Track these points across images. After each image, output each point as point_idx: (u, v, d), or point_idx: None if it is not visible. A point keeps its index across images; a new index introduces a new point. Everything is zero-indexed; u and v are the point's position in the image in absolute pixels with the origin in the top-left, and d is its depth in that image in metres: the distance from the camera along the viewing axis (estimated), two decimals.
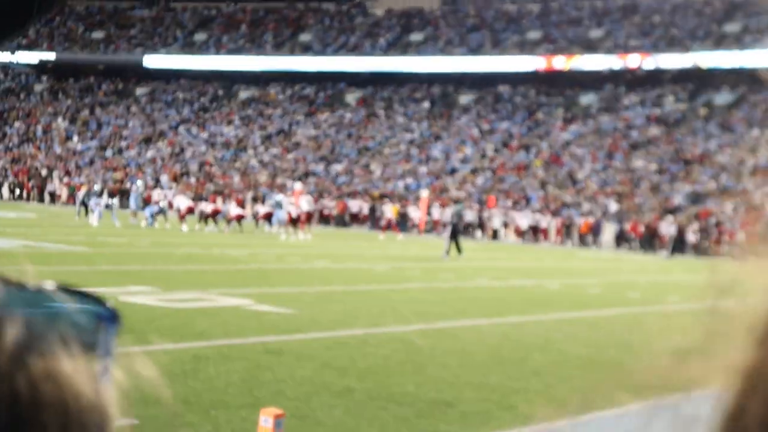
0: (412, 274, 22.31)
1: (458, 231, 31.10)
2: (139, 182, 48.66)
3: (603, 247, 47.23)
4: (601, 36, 69.82)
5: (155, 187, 49.56)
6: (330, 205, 54.63)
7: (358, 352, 10.69)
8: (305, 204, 39.12)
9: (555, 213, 50.33)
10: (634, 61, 65.71)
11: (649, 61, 65.20)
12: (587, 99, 67.34)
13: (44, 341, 0.63)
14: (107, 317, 0.68)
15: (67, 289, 0.68)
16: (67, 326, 0.65)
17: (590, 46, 68.84)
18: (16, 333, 0.62)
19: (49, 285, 0.68)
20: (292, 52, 77.15)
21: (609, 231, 48.22)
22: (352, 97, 74.47)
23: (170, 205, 40.99)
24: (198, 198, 45.13)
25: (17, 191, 63.55)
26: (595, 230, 48.12)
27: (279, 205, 39.98)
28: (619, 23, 70.74)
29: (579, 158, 58.22)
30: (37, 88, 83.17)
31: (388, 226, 44.34)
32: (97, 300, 0.69)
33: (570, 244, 48.16)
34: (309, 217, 39.43)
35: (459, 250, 29.80)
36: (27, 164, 67.93)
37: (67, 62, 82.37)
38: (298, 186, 46.89)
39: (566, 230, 48.99)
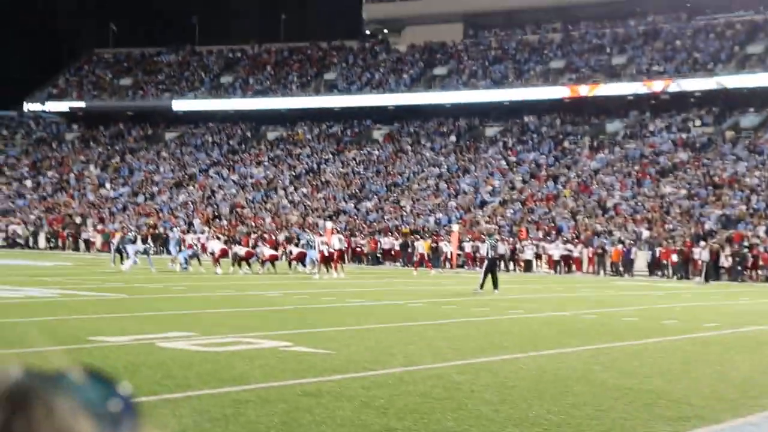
0: (447, 310, 22.35)
1: (495, 265, 30.99)
2: (176, 229, 49.00)
3: (636, 275, 47.01)
4: (624, 62, 69.88)
5: (188, 231, 49.89)
6: (362, 243, 54.77)
7: (397, 391, 10.75)
8: (337, 242, 39.26)
9: (586, 242, 50.18)
10: (658, 86, 65.69)
11: (673, 86, 65.15)
12: (613, 126, 67.32)
13: (60, 407, 0.65)
14: (125, 405, 0.70)
15: (88, 375, 0.70)
16: (86, 410, 0.66)
17: (614, 73, 68.91)
18: (36, 409, 0.63)
19: (71, 371, 0.69)
20: (317, 91, 77.72)
21: (641, 258, 48.00)
22: (378, 133, 74.84)
23: (203, 249, 41.25)
24: (231, 240, 45.44)
25: (53, 240, 64.14)
26: (626, 258, 47.91)
27: (311, 244, 40.15)
28: (641, 49, 70.81)
29: (608, 186, 58.12)
30: (69, 136, 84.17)
31: (421, 262, 44.38)
32: (113, 385, 0.70)
33: (603, 273, 47.96)
34: (342, 255, 39.56)
35: (495, 285, 29.54)
36: (61, 213, 68.61)
37: (96, 110, 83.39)
38: (329, 225, 47.12)
39: (599, 259, 48.81)
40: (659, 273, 47.15)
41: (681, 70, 66.50)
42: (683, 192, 54.89)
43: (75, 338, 14.59)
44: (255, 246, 43.58)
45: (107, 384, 0.70)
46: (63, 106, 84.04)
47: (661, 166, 59.07)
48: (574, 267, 49.52)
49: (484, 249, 33.38)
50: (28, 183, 76.29)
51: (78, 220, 66.57)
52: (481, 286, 29.49)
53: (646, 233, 50.32)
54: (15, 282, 28.21)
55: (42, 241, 64.40)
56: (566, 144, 66.12)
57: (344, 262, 40.54)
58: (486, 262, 30.76)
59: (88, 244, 61.98)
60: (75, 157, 79.76)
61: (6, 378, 0.66)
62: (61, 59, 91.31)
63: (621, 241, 49.15)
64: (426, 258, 44.99)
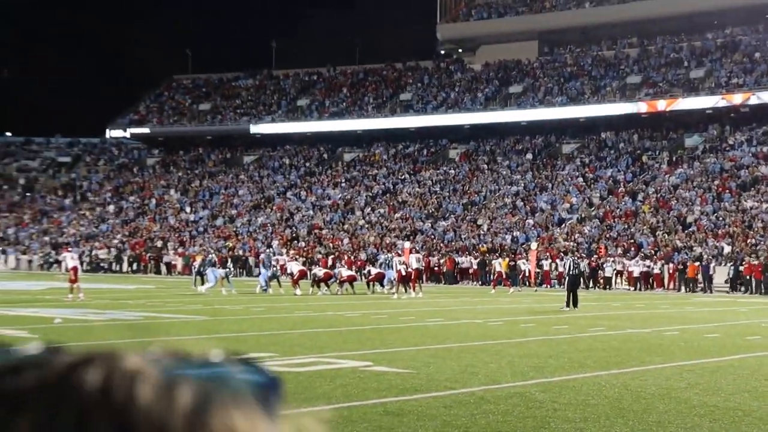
0: (526, 328, 22.25)
1: (577, 283, 30.99)
2: (269, 250, 49.21)
3: (716, 290, 46.29)
4: (703, 76, 68.97)
5: (262, 253, 50.31)
6: (439, 262, 54.78)
7: (478, 410, 10.75)
8: (415, 262, 39.30)
9: (667, 258, 49.53)
10: (737, 99, 64.68)
11: (753, 99, 64.08)
12: (692, 140, 66.42)
13: (219, 400, 0.67)
14: (270, 385, 0.72)
15: (230, 358, 0.72)
16: (237, 388, 0.69)
17: (692, 87, 68.05)
18: (191, 392, 0.66)
19: (215, 354, 0.72)
20: (393, 112, 78.02)
21: (723, 274, 47.24)
22: (455, 152, 74.84)
23: (283, 270, 41.56)
24: (309, 262, 45.76)
25: (134, 264, 65.30)
26: (705, 274, 47.17)
27: (389, 264, 40.27)
28: (719, 62, 69.82)
29: (688, 201, 57.32)
30: (150, 161, 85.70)
31: (499, 281, 44.23)
32: (259, 368, 0.72)
33: (684, 290, 47.27)
34: (419, 274, 39.60)
35: (575, 303, 29.57)
36: (143, 237, 69.80)
37: (176, 135, 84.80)
38: (407, 244, 47.21)
39: (679, 275, 48.13)
40: (742, 288, 46.33)
41: (761, 82, 65.39)
42: (765, 206, 53.90)
43: None
44: (333, 267, 43.83)
45: (253, 366, 0.72)
46: (144, 131, 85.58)
47: (742, 180, 58.09)
48: (654, 283, 48.92)
49: (565, 267, 33.22)
50: (111, 208, 77.77)
51: (159, 243, 67.66)
52: (567, 304, 29.47)
53: (727, 248, 49.50)
54: (99, 305, 28.77)
55: (125, 265, 65.59)
56: (644, 159, 65.40)
57: (422, 282, 40.56)
58: (567, 279, 30.73)
59: (170, 267, 62.94)
60: (156, 182, 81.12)
61: (157, 366, 0.67)
62: (141, 86, 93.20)
63: (699, 258, 48.40)
64: (504, 276, 44.83)
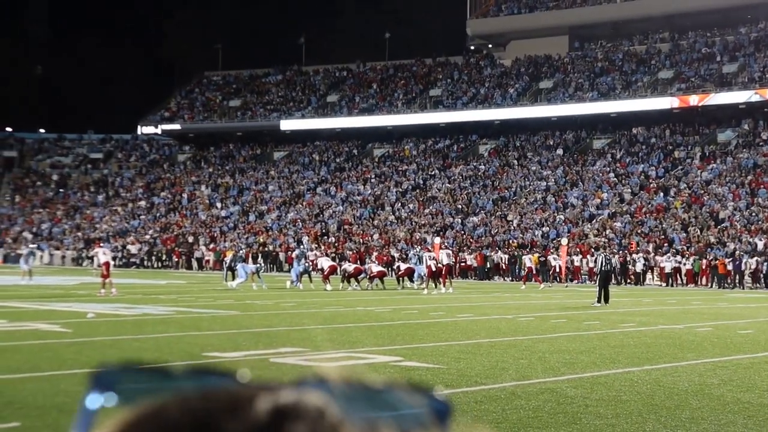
0: (557, 324, 22.17)
1: (609, 279, 30.88)
2: (302, 246, 49.35)
3: (749, 287, 45.94)
4: (736, 70, 68.37)
5: (296, 248, 50.44)
6: (469, 258, 54.69)
7: (509, 405, 10.71)
8: (445, 257, 39.23)
9: (699, 254, 49.18)
10: None
11: None
12: (725, 135, 65.91)
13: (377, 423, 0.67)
14: (444, 411, 0.71)
15: (400, 385, 0.71)
16: (419, 425, 0.69)
17: (724, 82, 67.49)
18: None
19: (385, 383, 0.71)
20: (423, 108, 77.92)
21: (759, 270, 46.84)
22: (485, 148, 74.65)
23: (314, 266, 41.61)
24: (339, 257, 45.82)
25: (165, 259, 65.68)
26: (737, 269, 46.81)
27: (419, 260, 40.24)
28: (753, 56, 69.18)
29: (720, 197, 56.88)
30: (180, 157, 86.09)
31: (529, 276, 44.08)
32: (433, 394, 0.72)
33: (716, 286, 46.94)
34: (450, 270, 39.54)
35: (606, 298, 29.49)
36: (174, 232, 70.14)
37: (207, 131, 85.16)
38: (437, 240, 47.15)
39: (712, 271, 47.78)
40: None
41: None
42: None
43: (189, 354, 14.90)
44: (363, 262, 43.83)
45: (424, 392, 0.72)
46: (175, 128, 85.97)
47: None
48: (686, 279, 48.62)
49: (596, 263, 33.10)
50: (142, 204, 78.21)
51: (190, 239, 67.98)
52: (598, 300, 29.39)
53: (761, 244, 49.09)
54: (131, 300, 28.95)
55: (156, 260, 65.98)
56: (676, 155, 64.96)
57: (452, 277, 40.50)
58: (599, 275, 30.63)
59: (201, 262, 63.22)
60: (187, 178, 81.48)
61: (351, 409, 0.67)
62: (172, 83, 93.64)
63: (734, 253, 48.04)
64: (534, 272, 44.68)
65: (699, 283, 48.25)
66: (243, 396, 0.67)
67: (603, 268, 30.50)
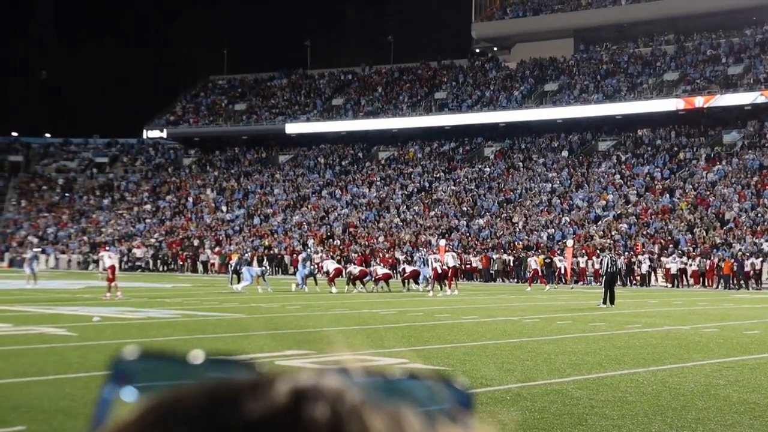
0: (563, 325, 22.15)
1: (614, 280, 30.88)
2: (309, 249, 49.35)
3: (752, 287, 45.87)
4: (741, 72, 68.29)
5: (302, 251, 50.49)
6: (474, 260, 54.67)
7: (515, 406, 10.70)
8: (451, 260, 39.21)
9: (705, 255, 49.12)
10: None
11: None
12: (730, 137, 65.84)
13: (441, 427, 0.67)
14: (463, 399, 0.71)
15: (421, 376, 0.70)
16: (448, 410, 0.69)
17: (730, 84, 67.42)
18: (417, 423, 0.65)
19: (406, 372, 0.70)
20: (428, 111, 77.91)
21: (764, 271, 46.79)
22: (490, 150, 74.64)
23: (319, 269, 41.64)
24: (345, 260, 45.84)
25: (171, 263, 65.73)
26: (740, 270, 46.75)
27: (424, 262, 40.22)
28: (758, 58, 69.10)
29: (726, 198, 56.81)
30: (186, 161, 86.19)
31: (534, 278, 44.04)
32: (455, 383, 0.72)
33: (721, 287, 46.89)
34: (455, 272, 39.52)
35: (612, 300, 29.49)
36: (179, 236, 70.21)
37: (212, 135, 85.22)
38: (442, 242, 47.12)
39: (718, 272, 47.73)
40: None
41: None
42: None
43: None
44: (368, 264, 43.82)
45: (449, 382, 0.71)
46: (180, 132, 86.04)
47: None
48: (692, 280, 48.57)
49: (602, 264, 33.06)
50: (148, 207, 78.29)
51: (196, 242, 68.03)
52: (604, 301, 29.39)
53: (766, 245, 49.00)
54: (136, 303, 28.96)
55: (162, 264, 66.05)
56: (681, 156, 64.90)
57: (457, 280, 40.49)
58: (605, 276, 30.61)
59: (206, 265, 63.27)
60: (192, 182, 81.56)
61: (372, 393, 0.66)
62: (177, 87, 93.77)
63: (740, 253, 47.99)
64: (540, 274, 44.64)
65: (706, 284, 48.20)
66: (262, 380, 0.67)
67: (608, 270, 30.50)
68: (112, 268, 32.03)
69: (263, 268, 42.00)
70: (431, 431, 0.66)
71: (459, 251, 53.36)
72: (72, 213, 79.63)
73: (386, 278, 39.75)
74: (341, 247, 60.89)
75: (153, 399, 0.67)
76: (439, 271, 37.71)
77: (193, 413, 0.65)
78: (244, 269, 39.64)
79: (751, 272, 46.89)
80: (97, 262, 67.52)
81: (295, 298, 33.73)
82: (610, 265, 30.65)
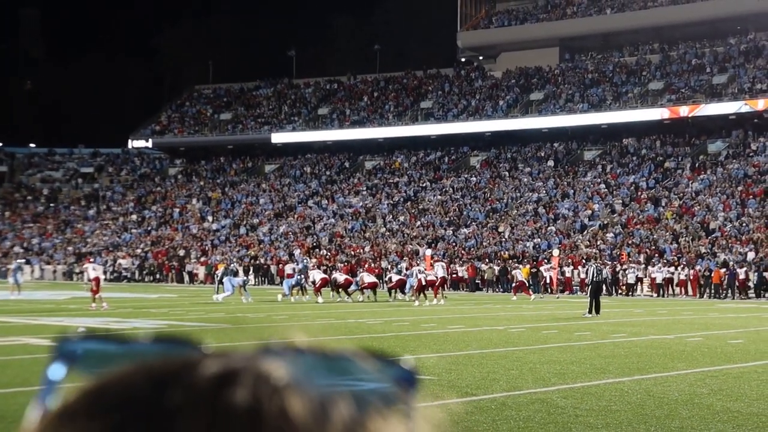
0: (548, 334, 22.19)
1: (600, 289, 30.80)
2: (306, 259, 49.40)
3: (739, 297, 46.04)
4: (725, 81, 68.60)
5: (296, 262, 50.43)
6: (460, 270, 54.70)
7: (500, 415, 10.73)
8: (440, 270, 39.17)
9: (690, 265, 49.29)
10: (761, 104, 64.28)
11: None
12: (715, 146, 66.10)
13: (373, 409, 0.66)
14: (408, 379, 0.70)
15: (365, 354, 0.70)
16: (379, 395, 0.68)
17: (715, 93, 67.73)
18: (344, 405, 0.65)
19: (349, 351, 0.69)
20: (414, 120, 78.01)
21: (748, 281, 46.97)
22: (476, 159, 74.75)
23: (306, 278, 41.58)
24: (331, 270, 45.79)
25: (156, 273, 65.57)
26: (730, 280, 46.92)
27: (400, 272, 40.14)
28: (742, 67, 69.45)
29: (711, 207, 57.03)
30: (171, 171, 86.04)
31: (519, 288, 44.08)
32: (396, 361, 0.71)
33: (707, 296, 47.05)
34: (442, 282, 39.51)
35: (597, 309, 29.47)
36: (165, 246, 70.04)
37: (198, 145, 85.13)
38: (428, 252, 47.15)
39: (704, 281, 47.89)
40: (766, 295, 46.03)
41: None
42: None
43: None
44: (355, 275, 43.74)
45: (391, 360, 0.70)
46: (166, 141, 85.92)
47: (766, 186, 57.73)
48: (677, 290, 48.70)
49: (587, 273, 33.09)
50: (134, 217, 78.11)
51: (181, 252, 67.88)
52: (590, 311, 29.35)
53: (751, 255, 49.20)
54: (122, 314, 28.90)
55: (147, 274, 65.86)
56: (667, 165, 65.13)
57: (444, 289, 40.48)
58: (590, 286, 30.60)
59: (192, 276, 63.14)
60: (178, 192, 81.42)
61: (301, 373, 0.66)
62: (163, 97, 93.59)
63: (725, 264, 48.15)
64: (525, 284, 44.64)
65: (687, 293, 48.31)
66: (190, 362, 0.66)
67: (594, 279, 30.51)
68: (97, 279, 31.88)
69: (245, 278, 41.98)
70: (360, 414, 0.66)
71: (445, 261, 53.39)
72: (57, 223, 79.36)
73: (373, 287, 39.74)
74: (328, 256, 60.84)
75: (87, 383, 0.67)
76: (423, 281, 37.64)
77: (118, 398, 0.65)
78: (225, 279, 39.60)
79: (745, 281, 47.02)
80: (81, 273, 67.40)
81: (282, 308, 33.70)
82: (595, 275, 30.68)
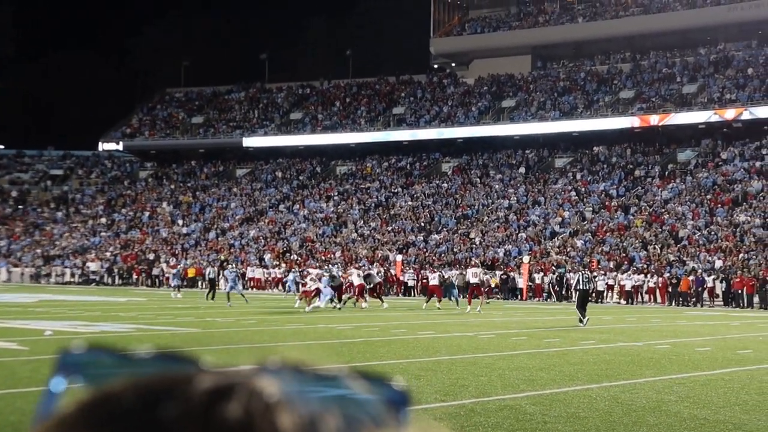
0: (517, 341, 22.24)
1: (587, 299, 30.03)
2: (291, 275, 49.26)
3: (707, 305, 46.36)
4: (695, 91, 69.16)
5: (259, 266, 50.29)
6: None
7: (468, 422, 10.73)
8: (356, 278, 38.77)
9: (659, 272, 49.57)
10: (730, 114, 64.84)
11: (745, 114, 64.27)
12: (685, 155, 66.57)
13: (362, 428, 0.67)
14: (399, 400, 0.70)
15: (357, 374, 0.70)
16: (374, 411, 0.68)
17: (685, 102, 68.24)
18: (334, 423, 0.66)
19: (339, 371, 0.70)
20: (386, 126, 78.09)
21: (716, 288, 47.31)
22: (447, 166, 74.89)
23: (301, 286, 41.23)
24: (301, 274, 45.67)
25: (126, 276, 65.17)
26: (698, 288, 47.24)
27: (332, 278, 38.72)
28: (712, 77, 70.03)
29: (680, 216, 57.40)
30: (142, 174, 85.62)
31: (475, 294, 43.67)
32: (387, 382, 0.71)
33: (675, 304, 47.33)
34: (360, 289, 38.70)
35: (582, 316, 28.61)
36: (135, 249, 69.65)
37: (169, 148, 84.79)
38: (399, 258, 47.08)
39: (673, 289, 48.17)
40: (733, 303, 46.36)
41: (754, 98, 65.59)
42: (758, 221, 53.98)
43: None
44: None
45: (381, 380, 0.70)
46: (137, 144, 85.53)
47: (734, 195, 58.20)
48: (646, 297, 48.94)
49: (574, 281, 32.58)
50: (103, 220, 77.63)
51: (151, 256, 67.52)
52: (580, 320, 28.43)
53: (719, 263, 49.56)
54: (90, 317, 28.71)
55: (116, 277, 65.46)
56: (637, 174, 65.52)
57: (386, 295, 40.33)
58: (578, 294, 29.87)
59: (161, 280, 62.82)
60: (148, 195, 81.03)
61: (293, 392, 0.67)
62: (134, 99, 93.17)
63: (693, 271, 48.47)
64: (482, 290, 43.77)
65: (656, 300, 48.55)
66: (185, 377, 0.67)
67: (583, 288, 29.75)
68: None
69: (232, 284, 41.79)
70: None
71: (415, 267, 53.34)
72: (25, 225, 78.73)
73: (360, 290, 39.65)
74: (298, 261, 60.71)
75: (81, 397, 0.68)
76: (367, 286, 37.95)
77: (114, 411, 0.66)
78: (322, 285, 37.41)
79: (713, 289, 47.33)
80: (48, 275, 67.01)
81: (251, 312, 33.57)
82: (583, 283, 29.98)
